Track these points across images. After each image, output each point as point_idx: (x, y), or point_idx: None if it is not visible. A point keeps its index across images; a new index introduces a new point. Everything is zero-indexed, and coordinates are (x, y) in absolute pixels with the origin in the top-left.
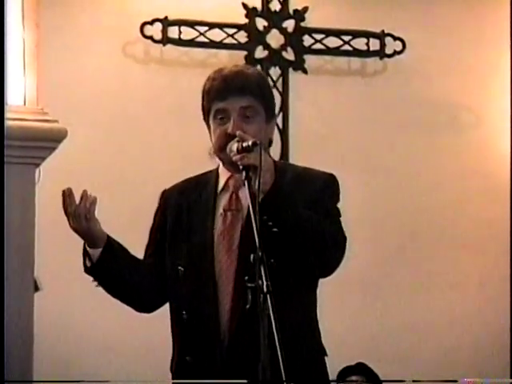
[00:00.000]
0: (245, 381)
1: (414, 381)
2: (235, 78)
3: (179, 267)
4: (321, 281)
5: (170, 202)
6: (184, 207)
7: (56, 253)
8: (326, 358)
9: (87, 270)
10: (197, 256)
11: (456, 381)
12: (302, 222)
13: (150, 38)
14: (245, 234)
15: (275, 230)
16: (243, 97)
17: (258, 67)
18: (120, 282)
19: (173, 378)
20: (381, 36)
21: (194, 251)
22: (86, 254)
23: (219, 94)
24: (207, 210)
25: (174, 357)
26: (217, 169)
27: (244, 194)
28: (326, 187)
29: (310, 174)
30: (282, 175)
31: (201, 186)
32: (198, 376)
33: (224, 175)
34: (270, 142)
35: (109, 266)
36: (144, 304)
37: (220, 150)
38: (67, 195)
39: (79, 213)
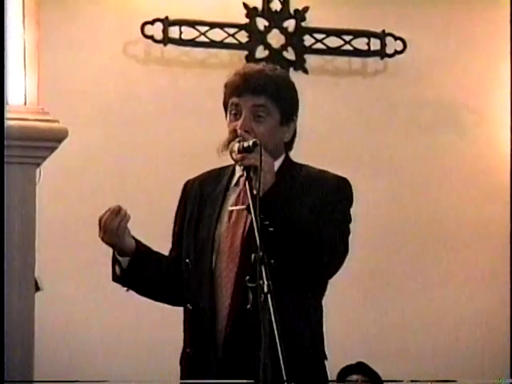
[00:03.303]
0: (245, 381)
1: (413, 381)
2: (254, 76)
3: (187, 259)
4: None
5: (190, 193)
6: (199, 199)
7: (56, 253)
8: (326, 360)
9: (116, 278)
10: (201, 250)
11: (455, 381)
12: (299, 223)
13: (151, 37)
14: (248, 232)
15: (271, 229)
16: (257, 96)
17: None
18: (150, 285)
19: (180, 371)
20: (381, 36)
21: (199, 245)
22: (115, 261)
23: (235, 89)
24: (216, 204)
25: (183, 348)
26: (235, 164)
27: (248, 195)
28: (335, 191)
29: (322, 177)
30: (293, 176)
31: (218, 179)
32: (196, 369)
33: (238, 172)
34: (289, 145)
35: (137, 274)
36: (176, 300)
37: (227, 146)
38: (112, 210)
39: (110, 228)
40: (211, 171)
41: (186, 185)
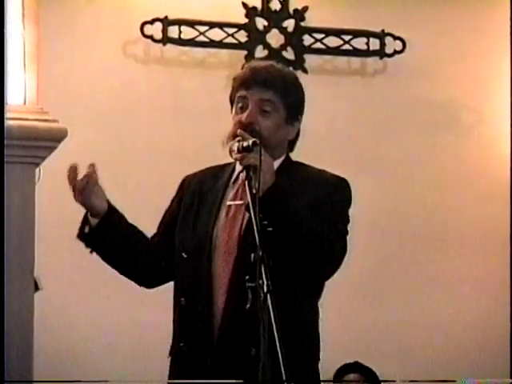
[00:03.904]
0: (244, 381)
1: (413, 381)
2: (262, 71)
3: (183, 253)
4: None
5: (188, 189)
6: (198, 194)
7: (56, 253)
8: (321, 360)
9: (83, 237)
10: (198, 245)
11: (455, 381)
12: (298, 223)
13: (150, 37)
14: (245, 227)
15: (270, 229)
16: (265, 90)
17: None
18: (116, 252)
19: (170, 363)
20: (381, 35)
21: (196, 239)
22: (85, 221)
23: (243, 82)
24: (215, 200)
25: (173, 341)
26: (236, 162)
27: (247, 194)
28: (334, 192)
29: (321, 177)
30: (292, 176)
31: (218, 175)
32: (190, 364)
33: (238, 168)
34: (291, 144)
35: (105, 235)
36: (142, 277)
37: (232, 138)
38: (71, 171)
39: (78, 188)
40: (212, 168)
41: (184, 179)
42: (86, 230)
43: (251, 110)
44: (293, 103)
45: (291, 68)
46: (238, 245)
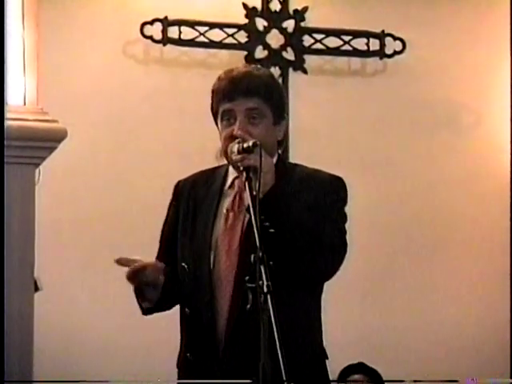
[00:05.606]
0: (245, 381)
1: (414, 381)
2: (243, 79)
3: (183, 264)
4: None
5: (183, 195)
6: (193, 202)
7: (56, 253)
8: (326, 360)
9: (144, 311)
10: (198, 254)
11: (456, 381)
12: (299, 224)
13: (150, 37)
14: (245, 234)
15: (272, 230)
16: (250, 98)
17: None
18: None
19: (178, 374)
20: (381, 36)
21: (195, 249)
22: (140, 296)
23: (226, 94)
24: (211, 208)
25: (180, 353)
26: (228, 165)
27: (247, 195)
28: (331, 191)
29: (317, 177)
30: (288, 176)
31: (211, 181)
32: (197, 374)
33: (232, 174)
34: (280, 143)
35: (163, 304)
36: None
37: (226, 152)
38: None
39: (147, 283)
40: (202, 172)
41: (176, 186)
42: (146, 305)
43: (240, 122)
44: (277, 104)
45: (291, 68)
46: (239, 252)
